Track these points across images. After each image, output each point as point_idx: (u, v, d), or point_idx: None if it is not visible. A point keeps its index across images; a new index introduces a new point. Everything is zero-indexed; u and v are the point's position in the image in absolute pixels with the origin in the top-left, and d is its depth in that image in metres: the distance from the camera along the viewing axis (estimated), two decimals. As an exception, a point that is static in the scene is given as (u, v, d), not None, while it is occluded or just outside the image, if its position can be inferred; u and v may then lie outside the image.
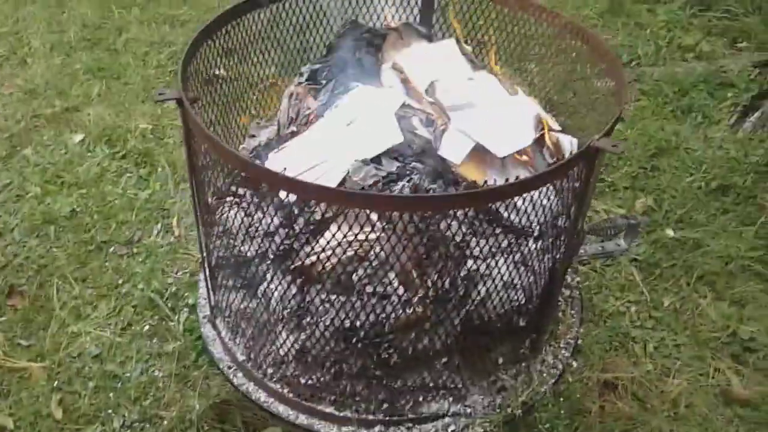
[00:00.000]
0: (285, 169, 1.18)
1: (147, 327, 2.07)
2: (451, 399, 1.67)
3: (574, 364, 1.92)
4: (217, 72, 1.83)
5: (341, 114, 1.66)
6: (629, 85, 3.18)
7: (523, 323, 1.59)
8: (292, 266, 1.42)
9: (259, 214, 1.42)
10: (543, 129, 1.63)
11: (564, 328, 1.87)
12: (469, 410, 1.67)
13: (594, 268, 2.35)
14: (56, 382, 1.90)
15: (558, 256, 1.54)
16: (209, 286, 1.72)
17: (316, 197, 1.35)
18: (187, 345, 1.99)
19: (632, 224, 1.84)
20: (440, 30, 1.92)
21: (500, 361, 1.72)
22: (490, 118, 1.64)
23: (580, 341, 1.95)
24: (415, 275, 1.40)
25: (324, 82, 1.76)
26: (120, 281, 2.21)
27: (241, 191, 1.49)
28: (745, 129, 2.91)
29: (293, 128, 1.70)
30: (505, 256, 1.49)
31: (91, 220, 2.42)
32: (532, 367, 1.78)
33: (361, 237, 1.41)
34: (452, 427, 1.66)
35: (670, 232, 2.45)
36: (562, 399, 1.82)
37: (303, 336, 1.45)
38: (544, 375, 1.80)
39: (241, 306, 1.55)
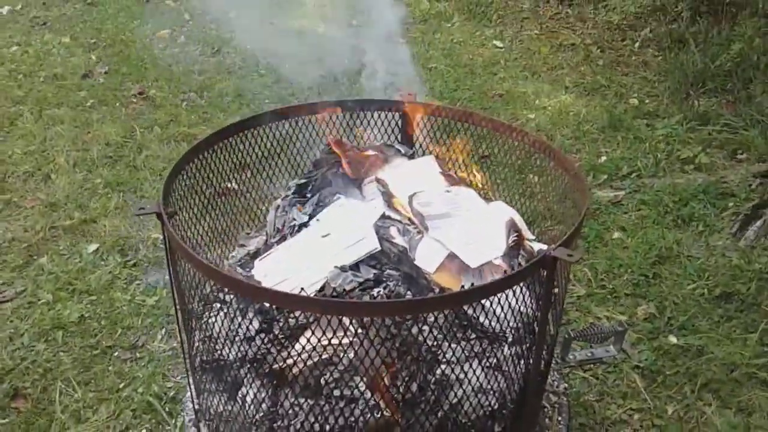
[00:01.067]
0: (252, 275, 1.26)
1: (144, 431, 2.11)
2: None
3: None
4: (229, 185, 1.95)
5: (323, 224, 1.75)
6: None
7: (499, 429, 1.59)
8: (266, 370, 1.47)
9: (238, 319, 1.49)
10: (518, 237, 1.69)
11: (550, 435, 1.85)
12: None
13: (595, 375, 2.33)
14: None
15: (531, 362, 1.56)
16: (192, 390, 1.76)
17: (287, 305, 1.41)
18: (180, 450, 2.02)
19: (619, 330, 1.85)
20: (420, 148, 2.03)
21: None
22: (466, 228, 1.71)
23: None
24: (384, 379, 1.44)
25: (309, 195, 1.87)
26: (121, 385, 2.27)
27: (221, 297, 1.57)
28: (747, 237, 2.92)
29: (279, 238, 1.79)
30: (477, 360, 1.52)
31: (98, 326, 2.50)
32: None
33: (334, 341, 1.45)
34: None
35: (673, 339, 2.44)
36: None
37: (276, 440, 1.48)
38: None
39: (219, 409, 1.58)
